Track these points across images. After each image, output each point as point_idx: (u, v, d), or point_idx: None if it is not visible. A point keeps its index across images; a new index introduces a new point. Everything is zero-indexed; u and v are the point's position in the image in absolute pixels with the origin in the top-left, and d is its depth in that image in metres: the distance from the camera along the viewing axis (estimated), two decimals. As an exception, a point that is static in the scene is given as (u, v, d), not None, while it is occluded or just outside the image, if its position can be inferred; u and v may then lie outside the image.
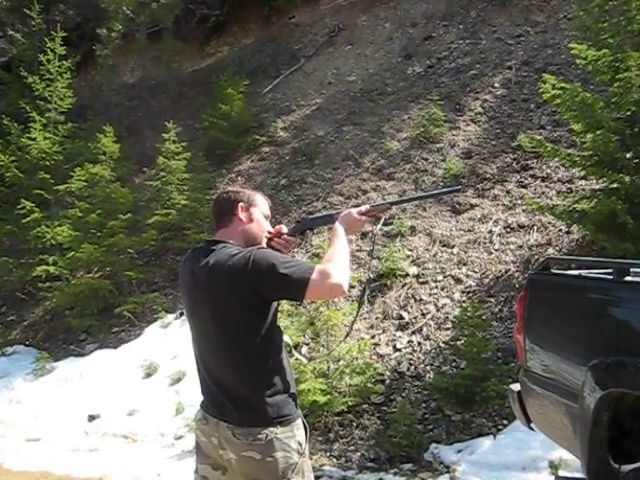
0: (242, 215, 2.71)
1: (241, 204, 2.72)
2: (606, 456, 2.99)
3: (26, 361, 8.92)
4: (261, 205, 2.79)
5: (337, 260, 2.52)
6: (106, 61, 12.98)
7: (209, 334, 2.61)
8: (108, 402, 7.27)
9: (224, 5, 14.58)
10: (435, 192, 3.28)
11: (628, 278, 3.03)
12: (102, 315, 9.27)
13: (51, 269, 9.50)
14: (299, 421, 2.61)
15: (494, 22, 10.96)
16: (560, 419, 3.31)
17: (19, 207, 9.94)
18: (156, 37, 13.43)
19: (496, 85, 9.60)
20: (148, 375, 7.60)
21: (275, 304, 2.59)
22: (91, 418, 7.06)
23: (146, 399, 7.09)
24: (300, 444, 2.58)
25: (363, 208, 2.84)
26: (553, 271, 3.70)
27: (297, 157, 10.41)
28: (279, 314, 2.67)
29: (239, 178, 10.69)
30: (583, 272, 3.66)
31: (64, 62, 11.10)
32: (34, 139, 10.31)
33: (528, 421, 3.70)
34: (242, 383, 2.57)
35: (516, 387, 3.79)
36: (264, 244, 2.76)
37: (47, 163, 10.34)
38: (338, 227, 2.73)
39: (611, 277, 3.10)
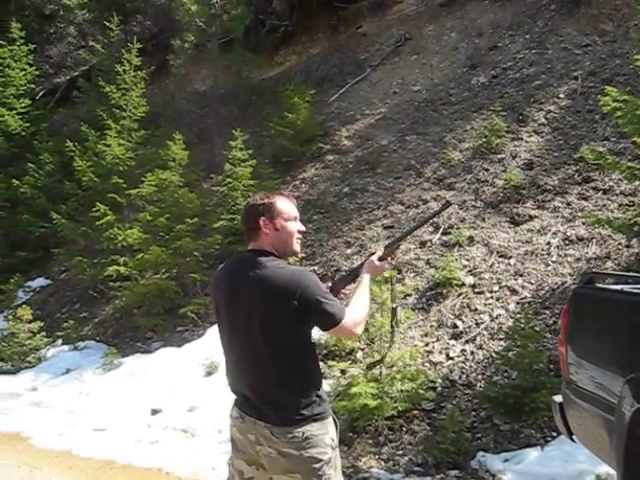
0: (266, 229, 2.83)
1: (262, 219, 2.82)
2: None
3: (96, 356, 9.35)
4: (283, 212, 2.86)
5: (361, 310, 2.88)
6: (179, 70, 13.47)
7: (249, 338, 2.75)
8: (170, 398, 7.56)
9: (293, 15, 14.87)
10: (431, 214, 3.44)
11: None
12: (168, 315, 9.61)
13: (121, 269, 9.91)
14: (330, 418, 2.79)
15: (561, 31, 10.85)
16: (598, 431, 3.36)
17: (94, 210, 10.37)
18: (227, 47, 13.82)
19: (561, 96, 9.53)
20: (209, 374, 7.86)
21: None
22: (154, 412, 7.35)
23: (206, 396, 7.33)
24: (332, 439, 2.76)
25: (380, 252, 3.16)
26: (597, 285, 3.76)
27: (360, 166, 10.55)
28: None
29: (303, 185, 10.92)
30: (626, 287, 3.70)
31: (139, 72, 11.59)
32: (109, 145, 10.79)
33: (569, 433, 3.75)
34: (280, 385, 2.74)
35: (559, 399, 3.85)
36: (296, 246, 2.92)
37: (120, 168, 10.79)
38: (365, 276, 3.05)
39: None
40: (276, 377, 2.74)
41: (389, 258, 3.22)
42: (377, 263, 3.11)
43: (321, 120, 12.10)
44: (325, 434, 2.73)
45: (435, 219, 8.56)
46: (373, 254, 3.16)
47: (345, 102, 12.52)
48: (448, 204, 3.57)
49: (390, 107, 11.57)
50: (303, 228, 2.97)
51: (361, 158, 10.67)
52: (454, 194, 8.85)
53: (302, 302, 2.66)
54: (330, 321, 2.73)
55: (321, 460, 2.70)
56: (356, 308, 2.86)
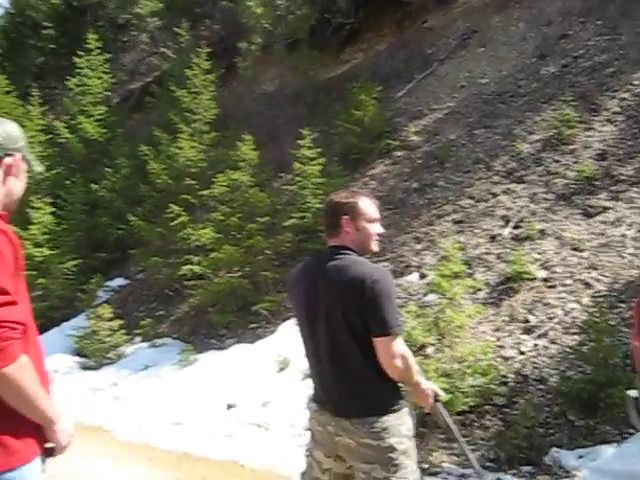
0: (347, 228, 2.89)
1: (344, 217, 2.89)
2: None
3: (173, 352, 9.59)
4: (365, 212, 2.92)
5: (412, 365, 2.81)
6: (247, 72, 13.68)
7: (329, 332, 2.82)
8: (244, 393, 7.71)
9: (358, 13, 14.89)
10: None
11: None
12: (241, 312, 9.79)
13: (195, 268, 10.14)
14: (406, 409, 2.85)
15: (635, 15, 10.50)
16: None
17: (168, 211, 10.69)
18: (293, 47, 13.94)
19: (635, 82, 9.22)
20: (281, 369, 8.00)
21: None
22: (229, 407, 7.51)
23: (279, 392, 7.46)
24: (409, 429, 2.83)
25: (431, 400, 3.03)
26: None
27: (429, 161, 10.50)
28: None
29: (372, 182, 10.94)
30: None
31: (209, 76, 11.87)
32: (181, 148, 11.09)
33: (645, 428, 3.68)
34: (359, 378, 2.80)
35: (633, 393, 3.77)
36: (374, 247, 2.96)
37: (193, 170, 11.07)
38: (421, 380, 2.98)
39: None
40: (355, 369, 2.81)
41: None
42: (426, 397, 3.00)
43: (389, 116, 12.08)
44: (401, 424, 2.80)
45: (505, 212, 8.48)
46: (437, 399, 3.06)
47: (412, 97, 12.47)
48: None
49: (458, 101, 11.46)
50: (382, 230, 3.01)
51: (430, 153, 10.61)
52: (524, 187, 8.71)
53: (368, 297, 2.70)
54: (379, 327, 2.71)
55: (398, 450, 2.76)
56: (412, 360, 2.81)
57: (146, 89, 17.32)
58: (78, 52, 15.61)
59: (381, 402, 2.81)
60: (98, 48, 15.69)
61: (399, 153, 11.19)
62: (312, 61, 13.98)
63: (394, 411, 2.80)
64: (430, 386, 3.01)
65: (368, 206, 2.94)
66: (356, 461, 2.83)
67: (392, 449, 2.76)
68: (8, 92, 19.19)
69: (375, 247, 2.97)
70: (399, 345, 2.72)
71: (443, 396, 3.12)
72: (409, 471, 2.79)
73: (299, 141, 10.35)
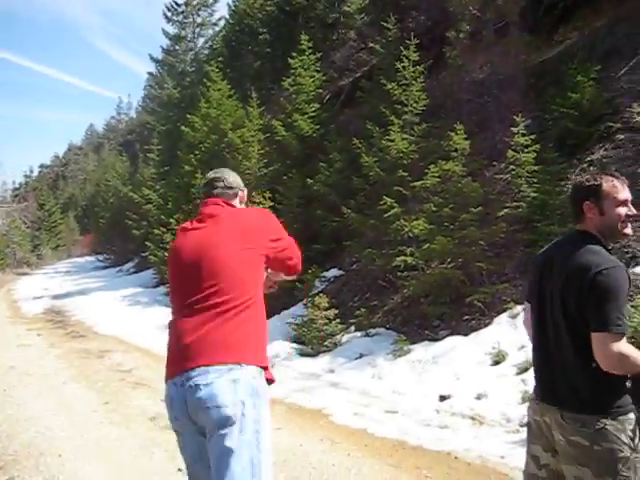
0: (590, 213, 2.75)
1: (586, 202, 2.76)
2: None
3: (386, 342, 9.76)
4: (610, 195, 2.74)
5: (636, 360, 2.53)
6: (455, 61, 13.49)
7: (551, 317, 2.74)
8: (457, 385, 7.66)
9: (574, -11, 14.07)
10: None
11: None
12: (454, 303, 9.72)
13: (408, 259, 10.23)
14: (631, 415, 2.59)
15: None
16: None
17: (381, 203, 10.87)
18: (502, 32, 13.51)
19: None
20: (496, 362, 7.83)
21: None
22: (442, 398, 7.50)
23: (493, 385, 7.30)
24: (632, 439, 2.55)
25: None
26: None
27: (656, 143, 9.69)
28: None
29: (591, 168, 10.29)
30: None
31: (417, 67, 11.89)
32: (393, 140, 11.22)
33: None
34: (574, 367, 2.65)
35: None
36: (626, 230, 2.77)
37: (404, 162, 11.17)
38: None
39: None
40: (570, 360, 2.66)
41: None
42: None
43: (609, 97, 11.26)
44: (621, 430, 2.55)
45: None
46: None
47: (636, 75, 11.51)
48: None
49: (689, 77, 10.42)
50: (633, 211, 2.78)
51: (657, 135, 9.78)
52: None
53: (588, 288, 2.55)
54: (596, 322, 2.53)
55: (616, 457, 2.53)
56: (635, 353, 2.54)
57: (356, 84, 17.71)
58: (292, 53, 16.40)
59: (597, 400, 2.59)
60: (310, 48, 16.40)
61: (621, 136, 10.41)
62: (523, 44, 13.45)
63: (613, 414, 2.57)
64: None
65: (613, 187, 2.75)
66: (567, 461, 2.66)
67: (608, 455, 2.53)
68: (230, 96, 20.72)
69: (627, 230, 2.77)
70: (617, 345, 2.50)
71: None
72: None
73: (512, 128, 10.03)
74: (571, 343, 2.65)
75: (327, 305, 10.81)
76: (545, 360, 2.82)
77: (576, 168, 10.49)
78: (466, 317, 9.33)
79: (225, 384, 2.72)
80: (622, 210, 2.73)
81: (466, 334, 8.83)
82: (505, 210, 9.63)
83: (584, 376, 2.63)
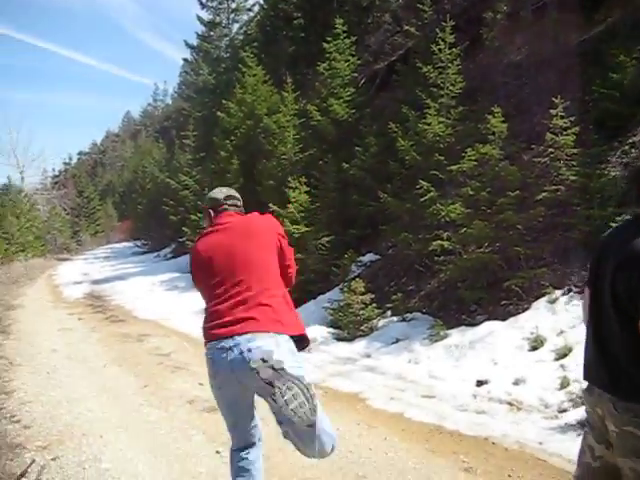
0: None
1: None
2: None
3: (422, 327, 9.72)
4: None
5: None
6: (492, 43, 13.31)
7: (601, 303, 2.67)
8: (495, 370, 7.62)
9: (618, -35, 13.69)
10: None
11: None
12: (491, 288, 9.63)
13: (445, 244, 10.15)
14: None
15: None
16: None
17: (417, 187, 10.79)
18: (541, 12, 13.26)
19: None
20: (534, 348, 7.76)
21: None
22: (479, 383, 7.48)
23: (531, 371, 7.25)
24: None
25: None
26: None
27: None
28: None
29: (633, 150, 10.08)
30: None
31: (454, 49, 11.74)
32: (429, 124, 11.12)
33: None
34: (625, 353, 2.56)
35: None
36: None
37: (441, 145, 11.06)
38: None
39: None
40: (621, 345, 2.57)
41: None
42: None
43: (653, 77, 10.99)
44: None
45: None
46: None
47: (685, 53, 11.19)
48: None
49: None
50: None
51: None
52: None
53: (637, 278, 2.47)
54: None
55: None
56: None
57: (391, 68, 17.56)
58: (326, 38, 16.32)
59: None
60: (344, 32, 16.27)
61: (668, 117, 10.16)
62: (562, 24, 13.17)
63: None
64: None
65: None
66: (621, 454, 2.59)
67: None
68: (265, 81, 20.73)
69: None
70: None
71: None
72: None
73: (551, 110, 9.83)
74: (621, 330, 2.56)
75: (363, 290, 10.80)
76: (597, 346, 2.75)
77: (617, 150, 10.28)
78: (503, 302, 9.23)
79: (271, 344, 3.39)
80: None
81: (504, 319, 8.75)
82: (543, 194, 9.46)
83: (636, 363, 2.53)
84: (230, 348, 3.39)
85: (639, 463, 2.51)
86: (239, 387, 3.49)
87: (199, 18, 31.14)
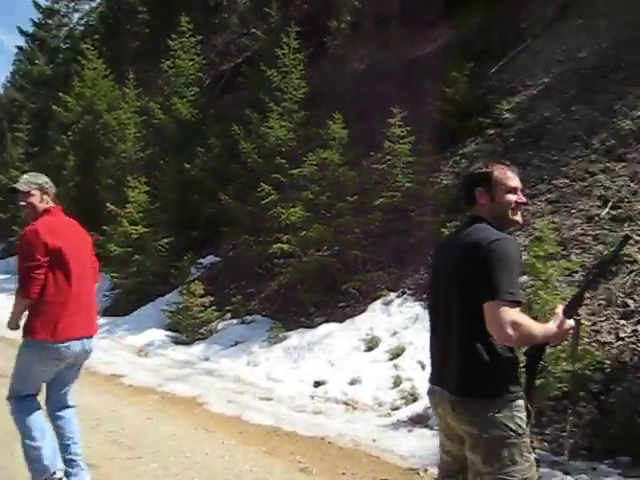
0: (482, 200, 2.79)
1: (478, 189, 2.80)
2: None
3: (262, 329, 9.76)
4: (500, 182, 2.78)
5: (529, 329, 2.53)
6: (336, 51, 13.61)
7: (445, 304, 2.75)
8: (332, 371, 7.78)
9: (450, -12, 14.49)
10: (612, 255, 2.78)
11: None
12: (329, 291, 9.82)
13: (285, 247, 10.19)
14: (520, 402, 2.60)
15: None
16: None
17: (258, 190, 10.78)
18: (383, 25, 13.75)
19: None
20: (369, 349, 8.00)
21: None
22: (316, 384, 7.60)
23: (366, 370, 7.47)
24: (519, 425, 2.57)
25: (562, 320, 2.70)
26: None
27: (522, 139, 10.14)
28: None
29: (463, 161, 10.68)
30: None
31: (298, 55, 11.90)
32: (272, 127, 11.18)
33: None
34: (461, 352, 2.63)
35: None
36: (515, 217, 2.80)
37: (282, 149, 11.17)
38: (550, 327, 2.68)
39: None
40: (459, 343, 2.65)
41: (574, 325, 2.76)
42: (559, 329, 2.68)
43: (481, 93, 11.74)
44: (509, 417, 2.56)
45: (603, 191, 8.14)
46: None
47: (505, 74, 12.06)
48: (627, 238, 3.09)
49: (554, 76, 11.00)
50: (523, 199, 2.84)
51: (523, 131, 10.26)
52: (624, 165, 8.31)
53: (481, 260, 2.56)
54: (488, 292, 2.49)
55: (503, 443, 2.54)
56: (528, 321, 2.54)
57: (237, 70, 17.51)
58: (171, 35, 15.96)
59: (485, 384, 2.59)
60: (190, 30, 15.99)
61: (491, 131, 10.87)
62: (402, 38, 13.75)
63: (499, 397, 2.57)
64: (564, 325, 2.67)
65: (504, 174, 2.80)
66: (465, 448, 2.68)
67: (495, 441, 2.54)
68: (106, 76, 19.93)
69: (516, 217, 2.81)
70: (510, 313, 2.45)
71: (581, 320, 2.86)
72: (518, 470, 2.55)
73: (389, 119, 10.20)
74: (461, 326, 2.64)
75: (203, 292, 10.70)
76: (438, 345, 2.83)
77: (449, 160, 10.86)
78: (341, 304, 9.45)
79: None
80: (512, 197, 2.78)
81: (341, 321, 8.95)
82: (381, 199, 9.79)
83: (474, 361, 2.61)
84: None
85: (475, 457, 2.61)
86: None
87: (35, 4, 29.44)
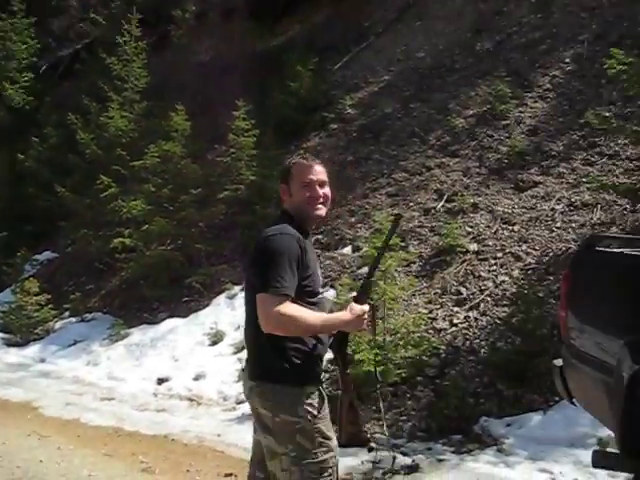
0: (284, 195, 2.80)
1: (281, 185, 2.81)
2: (638, 431, 3.03)
3: (103, 327, 9.45)
4: (295, 177, 2.77)
5: (298, 318, 2.54)
6: (180, 41, 13.36)
7: (246, 297, 2.78)
8: (176, 367, 7.69)
9: (295, -18, 14.65)
10: (387, 237, 2.89)
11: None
12: (173, 285, 9.67)
13: (127, 241, 9.87)
14: (311, 388, 2.66)
15: (567, -4, 10.67)
16: (597, 394, 3.36)
17: (98, 182, 10.34)
18: (229, 17, 13.67)
19: (566, 60, 9.39)
20: (214, 343, 7.95)
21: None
22: (160, 381, 7.48)
23: (211, 365, 7.45)
24: (308, 411, 2.61)
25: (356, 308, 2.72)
26: (596, 249, 3.71)
27: (364, 134, 10.48)
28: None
29: (307, 154, 10.82)
30: (625, 250, 3.66)
31: (140, 43, 11.54)
32: (112, 117, 10.77)
33: (569, 396, 3.76)
34: (255, 340, 2.69)
35: (559, 362, 3.85)
36: (316, 212, 2.77)
37: (123, 140, 10.78)
38: (342, 316, 2.71)
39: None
40: (251, 332, 2.70)
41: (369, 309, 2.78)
42: (352, 316, 2.69)
43: (325, 89, 12.00)
44: (298, 403, 2.61)
45: (439, 185, 8.56)
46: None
47: (349, 70, 12.39)
48: (399, 217, 3.25)
49: (394, 74, 11.46)
50: (319, 193, 2.76)
51: (365, 126, 10.60)
52: (458, 161, 8.82)
53: (257, 253, 2.65)
54: (258, 283, 2.56)
55: (293, 428, 2.59)
56: (297, 311, 2.54)
57: (76, 56, 16.70)
58: (0, 15, 14.92)
59: (273, 370, 2.62)
60: (22, 11, 15.03)
61: (334, 126, 11.14)
62: (248, 31, 13.73)
63: (290, 384, 2.62)
64: (356, 311, 2.69)
65: (301, 169, 2.76)
66: (259, 431, 2.72)
67: (286, 425, 2.59)
68: None
69: (317, 212, 2.77)
70: (276, 305, 2.49)
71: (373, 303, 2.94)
72: (310, 454, 2.59)
73: (234, 112, 10.15)
74: (253, 317, 2.63)
75: (38, 290, 10.25)
76: (244, 335, 2.88)
77: (293, 154, 10.89)
78: (185, 299, 9.34)
79: None
80: (306, 192, 2.74)
81: (185, 316, 8.86)
82: (225, 192, 9.74)
83: (262, 348, 2.66)
84: None
85: (269, 439, 2.65)
86: None
87: None
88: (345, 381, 2.90)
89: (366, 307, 2.73)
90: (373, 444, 2.98)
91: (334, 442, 2.69)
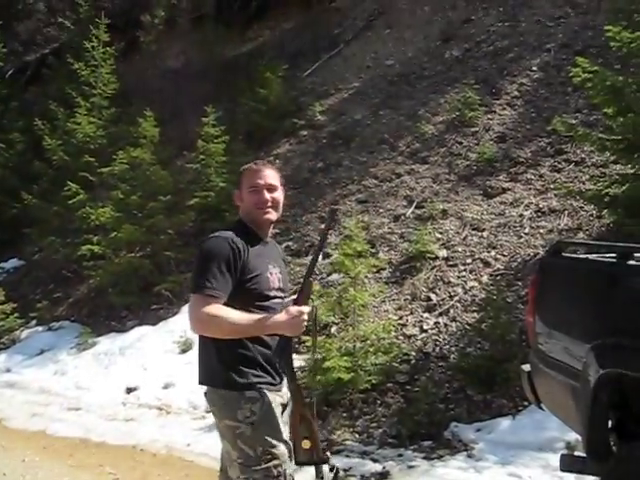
0: (237, 202, 2.85)
1: (236, 192, 2.87)
2: (605, 434, 3.07)
3: (70, 336, 9.31)
4: (244, 182, 2.81)
5: (222, 318, 2.52)
6: (149, 47, 13.29)
7: None
8: (145, 375, 7.58)
9: (266, -11, 14.67)
10: (325, 231, 2.92)
11: (631, 262, 3.09)
12: (142, 293, 9.54)
13: (95, 248, 9.73)
14: (252, 393, 2.62)
15: (534, 4, 10.88)
16: (565, 398, 3.39)
17: (65, 189, 10.23)
18: (198, 23, 13.63)
19: (534, 68, 9.54)
20: (183, 351, 7.85)
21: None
22: (129, 390, 7.37)
23: (181, 374, 7.32)
24: (247, 417, 2.59)
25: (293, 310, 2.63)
26: (563, 255, 3.76)
27: (334, 140, 10.52)
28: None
29: (277, 161, 10.83)
30: (591, 256, 3.71)
31: (108, 49, 11.44)
32: (79, 123, 10.66)
33: (538, 400, 3.79)
34: (201, 345, 2.73)
35: (527, 368, 3.88)
36: (265, 217, 2.77)
37: (91, 146, 10.69)
38: (275, 321, 2.60)
39: (615, 260, 3.16)
40: (201, 337, 2.70)
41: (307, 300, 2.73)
42: (288, 317, 2.60)
43: (294, 95, 12.02)
44: (236, 408, 2.59)
45: (408, 192, 8.60)
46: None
47: (319, 77, 12.44)
48: (334, 210, 3.42)
49: (363, 82, 11.53)
50: (265, 197, 2.75)
51: (335, 133, 10.64)
52: (427, 167, 8.88)
53: (194, 260, 2.74)
54: (191, 287, 2.61)
55: (235, 433, 2.59)
56: (223, 312, 2.53)
57: (43, 61, 16.48)
58: (-37, 17, 14.71)
59: (214, 375, 2.65)
60: (-13, 14, 14.83)
61: (304, 132, 11.16)
62: (218, 37, 13.71)
63: (230, 389, 2.60)
64: (293, 312, 2.60)
65: (249, 174, 2.80)
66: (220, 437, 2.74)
67: (229, 429, 2.61)
68: None
69: (265, 216, 2.77)
70: (203, 306, 2.50)
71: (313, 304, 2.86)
72: (254, 460, 2.57)
73: (203, 119, 10.12)
74: None
75: (4, 299, 10.04)
76: None
77: (263, 161, 10.90)
78: (154, 306, 9.24)
79: None
80: (253, 196, 2.75)
81: (154, 324, 8.76)
82: (194, 199, 9.70)
83: (205, 353, 2.69)
84: None
85: (226, 445, 2.66)
86: None
87: None
88: (292, 391, 2.78)
89: (305, 308, 2.63)
90: (334, 463, 2.87)
91: (281, 449, 2.63)
